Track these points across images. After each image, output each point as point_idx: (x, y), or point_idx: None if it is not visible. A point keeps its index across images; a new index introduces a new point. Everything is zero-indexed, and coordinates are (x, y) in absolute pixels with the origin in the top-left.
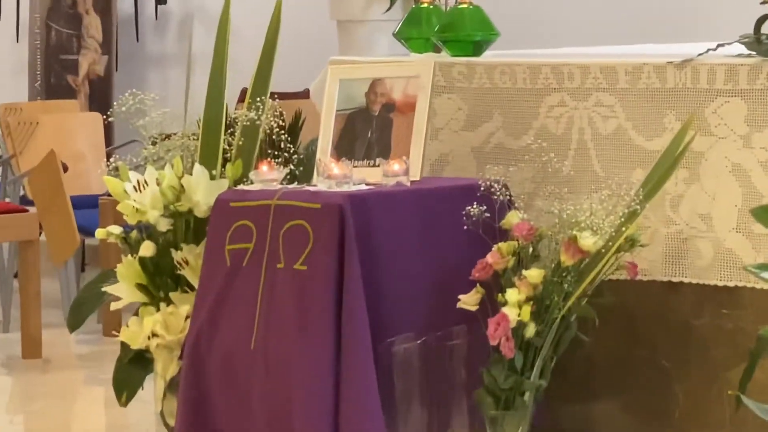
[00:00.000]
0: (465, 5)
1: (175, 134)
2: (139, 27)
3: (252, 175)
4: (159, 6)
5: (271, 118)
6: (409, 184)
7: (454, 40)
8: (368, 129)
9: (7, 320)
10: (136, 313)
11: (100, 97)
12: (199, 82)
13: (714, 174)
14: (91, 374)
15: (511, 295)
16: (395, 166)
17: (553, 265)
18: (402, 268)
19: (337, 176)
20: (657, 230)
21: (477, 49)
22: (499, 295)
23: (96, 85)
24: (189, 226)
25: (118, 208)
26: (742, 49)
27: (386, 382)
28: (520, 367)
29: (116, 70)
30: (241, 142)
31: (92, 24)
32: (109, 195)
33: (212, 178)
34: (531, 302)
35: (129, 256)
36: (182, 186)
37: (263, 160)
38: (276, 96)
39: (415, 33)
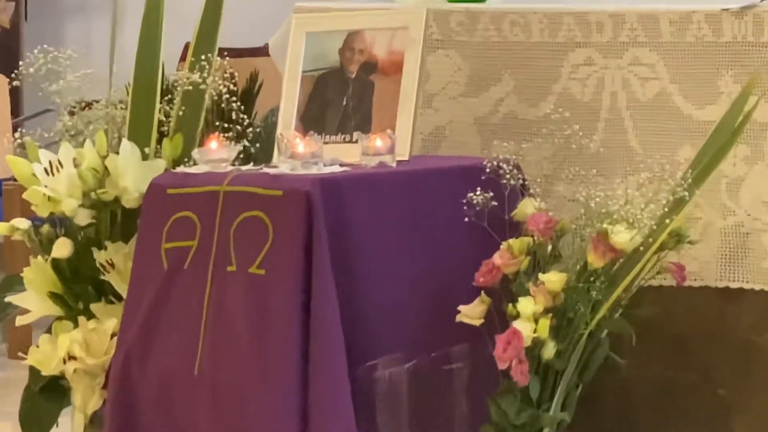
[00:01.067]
0: None
1: (98, 102)
2: None
3: (195, 154)
4: None
5: (220, 82)
6: (395, 164)
7: None
8: (343, 95)
9: None
10: (49, 330)
11: (5, 55)
12: (129, 36)
13: None
14: None
15: (525, 305)
16: (378, 141)
17: (578, 268)
18: (386, 272)
19: (303, 155)
20: (710, 223)
21: None
22: (510, 305)
23: (1, 40)
24: (115, 220)
25: (26, 195)
26: None
27: (367, 415)
28: (537, 397)
29: (26, 20)
30: (181, 112)
31: None
32: (15, 179)
33: (145, 158)
34: (550, 315)
35: (39, 257)
36: (106, 168)
37: (210, 134)
38: (226, 53)
39: None
